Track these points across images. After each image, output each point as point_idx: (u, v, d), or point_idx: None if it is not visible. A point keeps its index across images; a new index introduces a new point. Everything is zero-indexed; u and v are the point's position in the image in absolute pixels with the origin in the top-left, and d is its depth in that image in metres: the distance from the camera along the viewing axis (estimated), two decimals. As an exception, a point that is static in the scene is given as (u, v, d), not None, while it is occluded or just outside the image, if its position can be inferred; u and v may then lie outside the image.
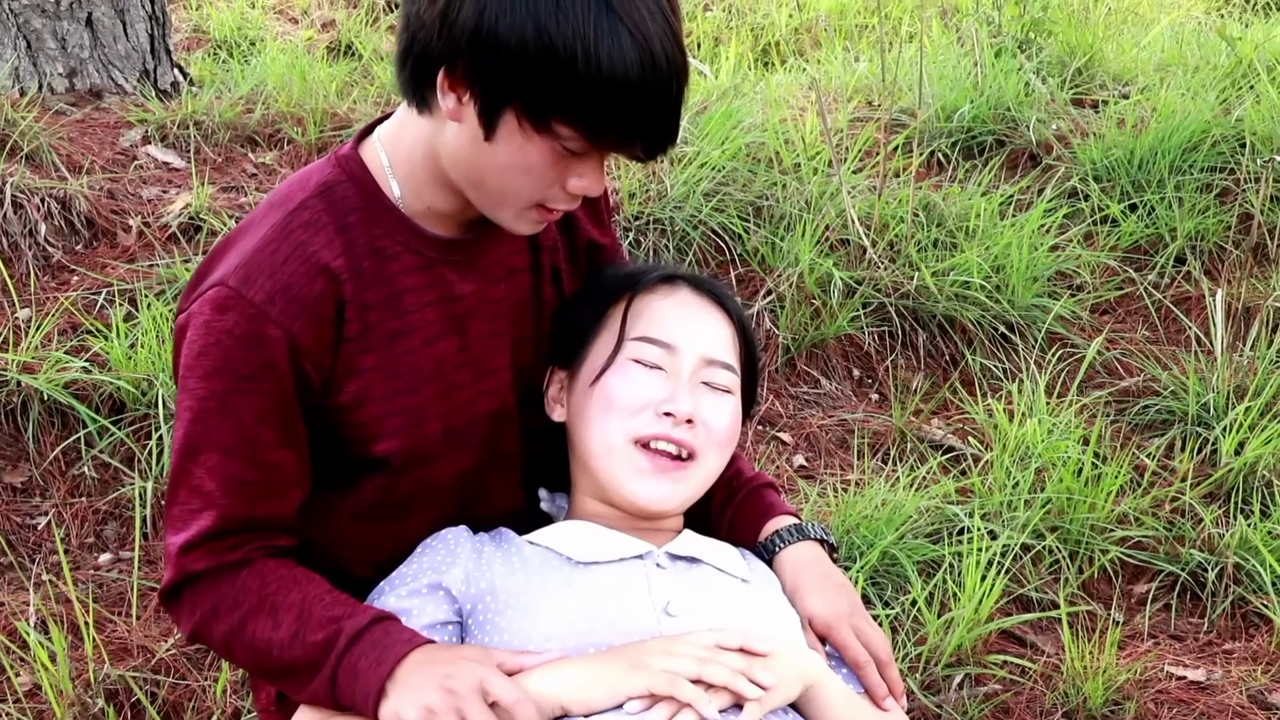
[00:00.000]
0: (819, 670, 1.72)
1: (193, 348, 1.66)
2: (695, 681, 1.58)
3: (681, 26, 1.58)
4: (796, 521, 1.95)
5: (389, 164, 1.73)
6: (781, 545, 1.92)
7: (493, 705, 1.56)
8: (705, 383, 1.83)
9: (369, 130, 1.78)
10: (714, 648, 1.62)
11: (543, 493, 1.95)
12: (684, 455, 1.79)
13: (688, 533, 1.85)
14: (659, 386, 1.80)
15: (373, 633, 1.63)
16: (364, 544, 1.82)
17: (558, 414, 1.89)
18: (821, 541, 1.95)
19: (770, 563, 1.92)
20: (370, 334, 1.71)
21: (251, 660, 1.71)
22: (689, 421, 1.79)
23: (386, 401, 1.74)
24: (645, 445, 1.78)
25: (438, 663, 1.59)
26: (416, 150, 1.70)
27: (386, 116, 1.78)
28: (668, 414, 1.78)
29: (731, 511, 1.99)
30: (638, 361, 1.81)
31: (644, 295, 1.87)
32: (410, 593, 1.72)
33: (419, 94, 1.63)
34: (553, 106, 1.53)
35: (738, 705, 1.61)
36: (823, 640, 1.82)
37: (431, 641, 1.66)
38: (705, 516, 1.99)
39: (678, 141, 1.64)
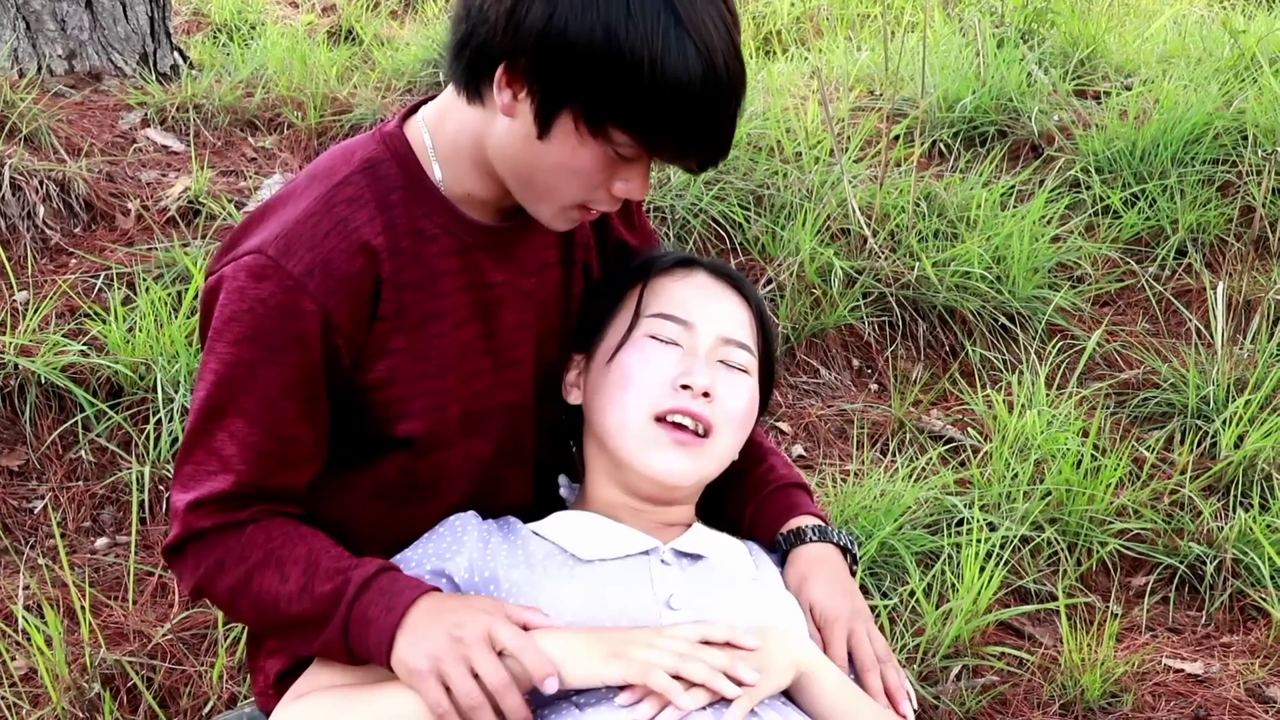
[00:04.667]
0: (812, 658, 1.71)
1: (224, 311, 1.65)
2: (674, 677, 1.57)
3: (740, 40, 1.58)
4: (821, 523, 1.94)
5: (432, 146, 1.73)
6: (800, 542, 1.91)
7: (500, 654, 1.57)
8: (722, 361, 1.83)
9: (414, 109, 1.78)
10: (698, 643, 1.60)
11: (562, 479, 1.94)
12: (701, 431, 1.78)
13: (697, 527, 1.85)
14: (676, 361, 1.80)
15: (380, 580, 1.64)
16: (377, 525, 1.81)
17: (574, 397, 1.89)
18: (843, 550, 1.94)
19: (786, 555, 1.91)
20: (404, 314, 1.71)
21: (257, 614, 1.71)
22: (706, 395, 1.78)
23: (414, 383, 1.74)
24: (662, 420, 1.77)
25: (447, 611, 1.60)
26: (462, 136, 1.69)
27: (431, 97, 1.78)
28: (685, 386, 1.77)
29: (755, 506, 1.99)
30: (654, 337, 1.81)
31: (660, 277, 1.88)
32: (412, 576, 1.72)
33: (473, 85, 1.62)
34: (612, 112, 1.53)
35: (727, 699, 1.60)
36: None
37: (438, 588, 1.66)
38: (725, 510, 1.99)
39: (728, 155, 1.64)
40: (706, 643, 1.62)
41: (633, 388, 1.79)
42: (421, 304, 1.72)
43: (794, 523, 1.94)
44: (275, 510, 1.72)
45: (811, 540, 1.91)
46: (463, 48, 1.61)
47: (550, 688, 1.56)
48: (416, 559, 1.75)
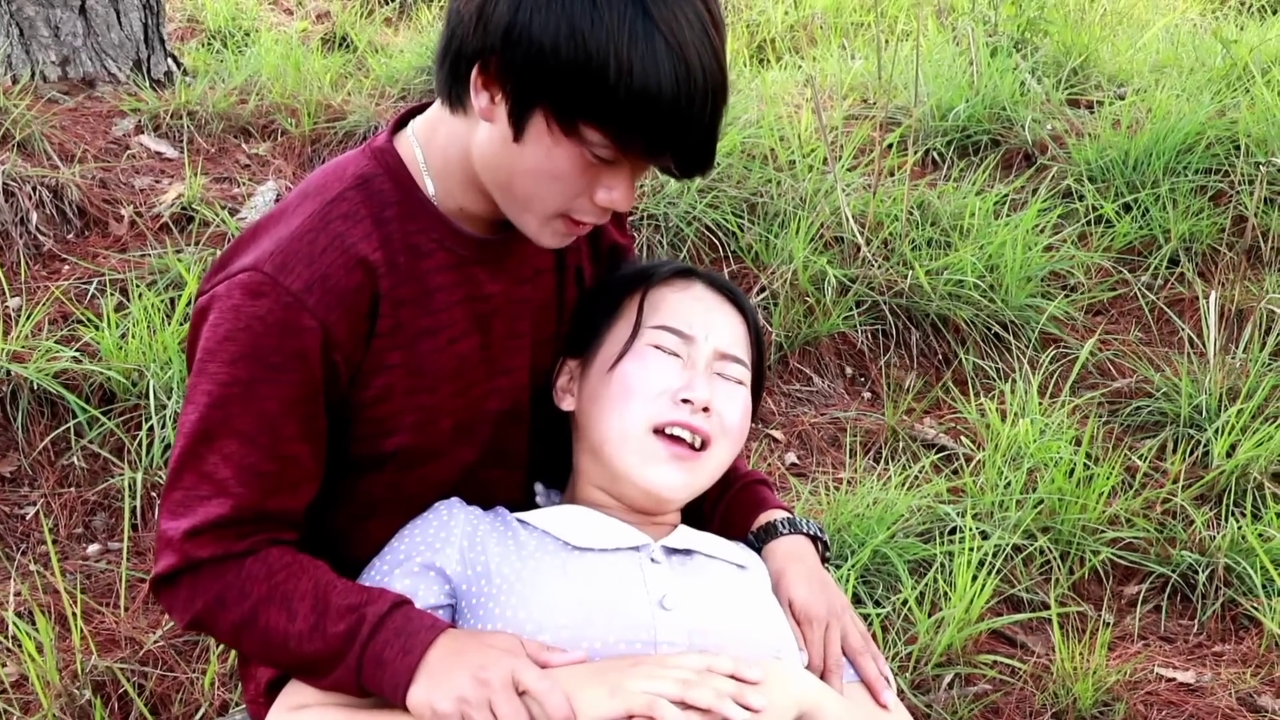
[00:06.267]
0: (815, 695, 1.69)
1: (217, 331, 1.62)
2: (680, 704, 1.55)
3: (724, 41, 1.55)
4: (789, 515, 1.95)
5: (423, 160, 1.71)
6: (772, 536, 1.92)
7: (522, 694, 1.55)
8: (719, 374, 1.84)
9: (402, 122, 1.76)
10: (703, 670, 1.59)
11: (538, 487, 1.94)
12: (698, 444, 1.79)
13: (683, 528, 1.85)
14: (677, 373, 1.80)
15: (394, 619, 1.61)
16: (368, 541, 1.80)
17: (567, 403, 1.88)
18: (814, 540, 1.95)
19: (759, 553, 1.92)
20: (400, 330, 1.70)
21: (263, 651, 1.68)
22: (705, 410, 1.79)
23: (407, 398, 1.72)
24: (661, 432, 1.78)
25: (468, 651, 1.58)
26: (451, 149, 1.68)
27: (420, 108, 1.76)
28: (686, 400, 1.78)
29: (725, 504, 2.00)
30: (656, 348, 1.81)
31: (659, 287, 1.87)
32: (403, 574, 1.71)
33: (454, 91, 1.61)
34: (581, 110, 1.50)
35: None
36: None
37: (454, 625, 1.65)
38: (699, 510, 1.99)
39: (714, 161, 1.61)
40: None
41: (633, 398, 1.78)
42: (416, 320, 1.71)
43: (763, 518, 1.96)
44: (273, 539, 1.69)
45: (783, 533, 1.92)
46: (445, 54, 1.60)
47: None
48: (405, 551, 1.74)
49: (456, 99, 1.62)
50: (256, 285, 1.61)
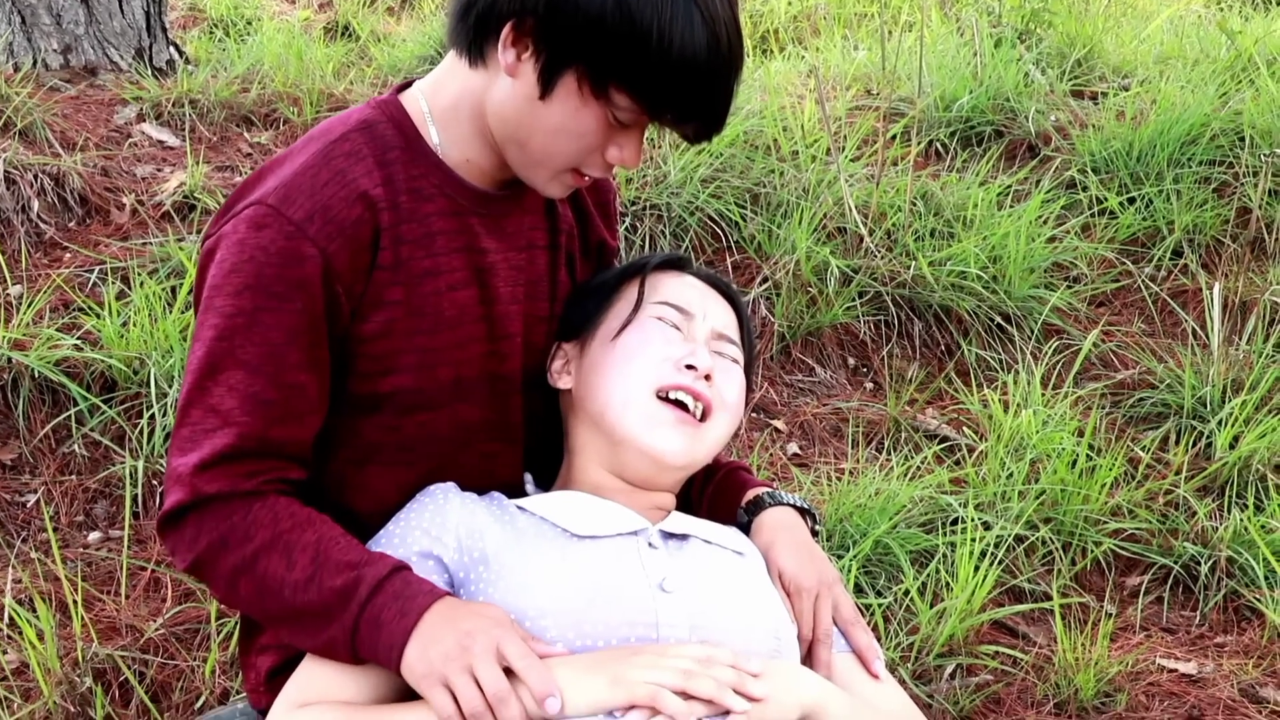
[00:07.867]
0: (818, 693, 1.68)
1: (223, 265, 1.66)
2: (681, 694, 1.55)
3: (740, 14, 1.65)
4: (772, 490, 2.00)
5: (429, 111, 1.77)
6: (759, 509, 1.96)
7: (508, 670, 1.56)
8: (716, 352, 1.88)
9: (406, 84, 1.82)
10: (704, 660, 1.59)
11: (527, 476, 1.95)
12: (700, 414, 1.82)
13: (678, 513, 1.86)
14: (679, 343, 1.85)
15: (393, 582, 1.62)
16: (366, 489, 1.81)
17: (563, 382, 1.91)
18: (802, 512, 1.98)
19: (748, 528, 1.95)
20: (402, 267, 1.73)
21: (257, 600, 1.68)
22: (707, 378, 1.82)
23: (407, 338, 1.75)
24: (664, 397, 1.81)
25: (460, 618, 1.59)
26: (462, 102, 1.73)
27: (419, 77, 1.82)
28: (690, 367, 1.82)
29: (710, 491, 2.03)
30: (659, 320, 1.86)
31: (655, 273, 1.94)
32: (425, 579, 1.70)
33: (476, 46, 1.67)
34: (617, 75, 1.60)
35: (726, 712, 1.57)
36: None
37: (451, 593, 1.65)
38: (686, 498, 2.01)
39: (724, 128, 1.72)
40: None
41: (637, 362, 1.82)
42: (419, 260, 1.74)
43: (749, 495, 1.99)
44: (281, 478, 1.70)
45: (769, 505, 1.96)
46: (469, 8, 1.65)
47: (552, 708, 1.54)
48: (400, 536, 1.74)
49: (477, 52, 1.68)
50: (260, 218, 1.65)
